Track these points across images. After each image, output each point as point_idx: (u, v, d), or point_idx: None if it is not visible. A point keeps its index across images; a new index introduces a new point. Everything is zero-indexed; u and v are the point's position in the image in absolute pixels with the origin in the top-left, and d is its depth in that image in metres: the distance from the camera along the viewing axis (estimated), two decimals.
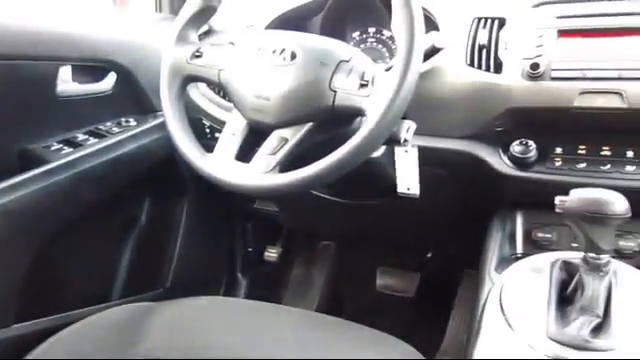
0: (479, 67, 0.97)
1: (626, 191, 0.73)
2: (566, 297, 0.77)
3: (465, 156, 0.98)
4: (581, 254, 0.76)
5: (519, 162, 0.94)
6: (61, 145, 1.08)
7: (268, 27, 1.14)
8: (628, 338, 0.71)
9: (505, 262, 0.90)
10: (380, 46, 1.17)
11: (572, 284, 0.77)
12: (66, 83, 1.13)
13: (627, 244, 0.91)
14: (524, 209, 0.99)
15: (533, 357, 0.73)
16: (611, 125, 0.91)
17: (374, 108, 0.75)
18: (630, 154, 0.90)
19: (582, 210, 0.71)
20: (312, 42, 0.85)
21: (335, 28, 1.14)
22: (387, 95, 0.74)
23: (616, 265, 0.78)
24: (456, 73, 0.98)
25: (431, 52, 0.98)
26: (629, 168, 0.89)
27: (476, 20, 1.02)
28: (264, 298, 0.99)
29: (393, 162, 0.97)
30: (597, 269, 0.74)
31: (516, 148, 0.94)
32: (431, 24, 1.03)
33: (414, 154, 0.93)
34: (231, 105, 0.89)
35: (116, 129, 1.16)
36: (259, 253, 1.61)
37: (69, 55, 1.08)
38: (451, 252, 1.47)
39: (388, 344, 0.87)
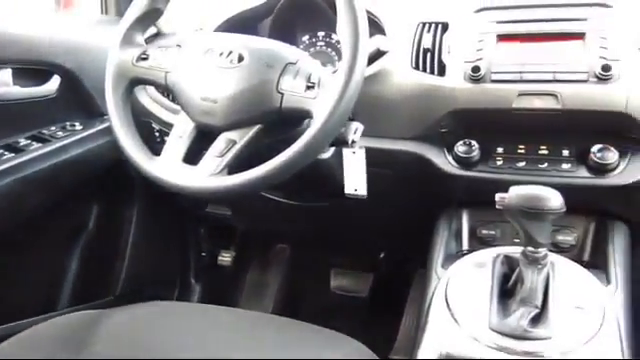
0: (424, 70, 1.00)
1: (562, 188, 0.76)
2: (508, 290, 0.81)
3: (412, 157, 1.01)
4: (521, 249, 0.79)
5: (463, 162, 0.97)
6: (2, 150, 1.05)
7: (217, 30, 1.14)
8: (564, 326, 0.75)
9: (452, 259, 0.93)
10: (329, 50, 1.19)
11: (513, 277, 0.81)
12: (6, 86, 1.09)
13: (564, 238, 0.95)
14: (469, 207, 1.02)
15: (477, 348, 0.76)
16: (548, 125, 0.95)
17: (320, 110, 0.76)
18: (566, 153, 0.94)
19: (520, 206, 0.74)
20: (259, 44, 0.85)
21: (284, 32, 1.15)
22: (333, 97, 0.75)
23: (553, 258, 0.82)
24: (402, 76, 1.01)
25: (376, 55, 1.00)
26: (565, 166, 0.94)
27: (421, 25, 1.05)
28: (219, 303, 0.98)
29: (342, 164, 0.99)
30: (535, 262, 0.77)
31: (460, 148, 0.97)
32: (377, 28, 1.05)
33: (361, 155, 0.95)
34: (179, 108, 0.89)
35: (61, 133, 1.13)
36: (213, 257, 1.60)
37: (8, 57, 1.05)
38: (403, 252, 1.49)
39: (342, 343, 0.89)
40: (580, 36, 0.95)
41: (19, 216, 1.05)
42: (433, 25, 1.05)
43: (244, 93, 0.81)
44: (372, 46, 0.97)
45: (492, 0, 1.05)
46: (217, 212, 1.44)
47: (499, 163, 0.97)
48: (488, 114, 0.96)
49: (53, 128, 1.14)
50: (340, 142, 0.87)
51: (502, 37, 0.98)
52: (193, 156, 0.84)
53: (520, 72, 0.94)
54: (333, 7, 0.79)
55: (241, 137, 0.81)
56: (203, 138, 0.85)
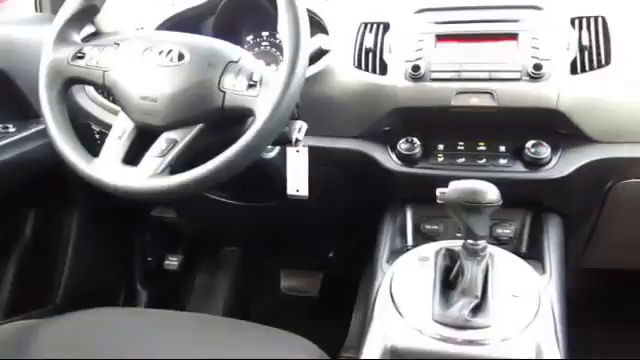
0: (366, 69, 1.02)
1: (499, 182, 0.79)
2: (450, 282, 0.83)
3: (356, 154, 1.02)
4: (462, 242, 0.82)
5: (405, 159, 1.00)
6: None
7: (158, 29, 1.12)
8: (503, 314, 0.78)
9: (396, 254, 0.95)
10: (274, 50, 1.19)
11: (454, 270, 0.83)
12: None
13: (503, 231, 0.99)
14: (413, 204, 1.04)
15: (421, 340, 0.78)
16: (485, 122, 0.98)
17: (262, 108, 0.76)
18: (502, 148, 0.98)
19: (459, 199, 0.77)
20: (200, 43, 0.85)
21: (227, 31, 1.14)
22: (275, 95, 0.75)
23: (492, 250, 0.84)
24: (344, 75, 1.02)
25: (319, 54, 1.01)
26: (502, 161, 0.97)
27: (362, 25, 1.07)
28: (167, 308, 0.97)
29: (286, 163, 0.99)
30: (475, 254, 0.80)
31: (402, 146, 0.99)
32: (319, 27, 1.06)
33: (305, 154, 0.96)
34: (119, 108, 0.87)
35: None
36: (159, 262, 1.57)
37: None
38: (351, 250, 1.51)
39: (291, 342, 0.89)
40: (513, 37, 0.98)
41: None
42: (375, 25, 1.06)
43: (185, 92, 0.80)
44: (314, 45, 0.98)
45: (431, 1, 1.08)
46: (162, 215, 1.42)
47: (440, 159, 0.99)
48: (428, 112, 0.98)
49: None
50: (284, 141, 0.87)
51: (441, 37, 1.01)
52: (133, 157, 0.83)
53: (458, 71, 0.97)
54: (276, 6, 0.79)
55: (183, 137, 0.80)
56: (144, 138, 0.83)
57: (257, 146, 0.77)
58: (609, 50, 0.95)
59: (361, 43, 1.04)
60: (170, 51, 0.82)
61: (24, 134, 1.12)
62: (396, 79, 0.99)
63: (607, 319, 1.40)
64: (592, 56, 0.95)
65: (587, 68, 0.95)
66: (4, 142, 1.08)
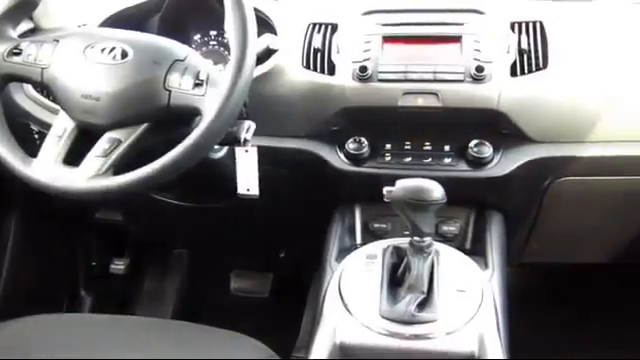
0: (314, 69, 1.03)
1: (444, 180, 0.81)
2: (397, 278, 0.85)
3: (304, 154, 1.03)
4: (409, 239, 0.83)
5: (354, 158, 1.01)
6: None
7: (101, 26, 1.09)
8: (448, 309, 0.80)
9: (345, 253, 0.96)
10: (222, 49, 1.18)
11: (401, 267, 0.85)
12: None
13: (448, 228, 1.01)
14: (362, 203, 1.05)
15: (369, 336, 0.79)
16: (431, 122, 1.01)
17: (209, 107, 0.75)
18: (447, 148, 1.00)
19: (405, 198, 0.78)
20: (144, 40, 0.83)
21: (174, 30, 1.12)
22: (222, 94, 0.75)
23: (437, 246, 0.87)
24: (293, 75, 1.02)
25: (267, 54, 1.01)
26: (446, 160, 1.00)
27: (311, 25, 1.08)
28: (113, 313, 0.94)
29: (235, 163, 0.98)
30: (421, 251, 0.82)
31: (351, 145, 1.01)
32: (267, 27, 1.06)
33: (254, 154, 0.95)
34: (59, 107, 0.84)
35: None
36: (104, 266, 1.52)
37: None
38: (302, 250, 1.51)
39: (240, 343, 0.88)
40: (457, 39, 1.01)
41: None
42: (323, 26, 1.07)
43: (129, 90, 0.78)
44: (262, 44, 0.98)
45: (378, 4, 1.10)
46: (107, 218, 1.38)
47: (387, 159, 1.01)
48: (376, 112, 1.00)
49: None
50: (232, 141, 0.86)
51: (387, 39, 1.03)
52: (75, 157, 0.80)
53: (404, 72, 0.99)
54: (223, 5, 0.79)
55: (127, 136, 0.79)
56: (86, 138, 0.81)
57: (204, 145, 0.76)
58: (546, 54, 1.00)
59: (309, 43, 1.05)
60: (113, 49, 0.81)
61: None
62: (344, 79, 1.00)
63: (546, 313, 1.46)
64: (530, 59, 0.99)
65: (526, 71, 0.98)
66: None
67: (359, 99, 0.99)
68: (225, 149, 1.00)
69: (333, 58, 1.03)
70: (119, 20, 1.10)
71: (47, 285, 1.42)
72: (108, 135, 0.79)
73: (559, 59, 0.99)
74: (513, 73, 0.98)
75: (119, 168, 0.78)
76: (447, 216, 1.01)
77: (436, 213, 0.81)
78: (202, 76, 0.78)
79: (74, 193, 0.77)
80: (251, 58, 0.77)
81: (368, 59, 1.00)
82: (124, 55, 0.80)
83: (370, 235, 1.03)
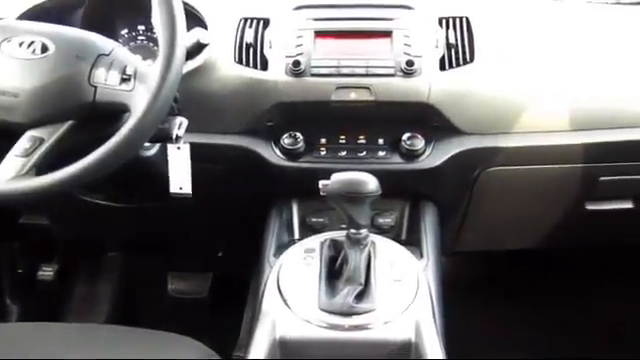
0: (247, 64, 1.02)
1: (379, 173, 0.83)
2: (335, 271, 0.85)
3: (239, 150, 1.02)
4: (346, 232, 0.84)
5: (289, 153, 1.01)
6: None
7: (20, 19, 1.03)
8: (385, 299, 0.82)
9: (283, 248, 0.95)
10: (151, 44, 1.15)
11: (339, 259, 0.85)
12: None
13: (384, 220, 1.03)
14: (298, 198, 1.05)
15: (309, 329, 0.79)
16: (364, 116, 1.02)
17: (138, 103, 0.73)
18: (381, 141, 1.02)
19: (341, 191, 0.79)
20: (66, 34, 0.80)
21: (99, 24, 1.07)
22: (150, 89, 0.73)
23: (374, 238, 0.88)
24: (225, 70, 1.01)
25: (197, 48, 0.99)
26: (381, 153, 1.01)
27: (242, 20, 1.07)
28: (44, 321, 0.90)
29: (167, 161, 0.96)
30: (358, 243, 0.83)
31: (286, 140, 1.00)
32: (197, 21, 1.04)
33: (186, 151, 0.93)
34: None
35: None
36: (31, 273, 1.45)
37: None
38: (241, 248, 1.50)
39: (180, 344, 0.86)
40: (388, 34, 1.03)
41: None
42: (255, 20, 1.06)
43: (50, 86, 0.75)
44: (191, 38, 0.96)
45: None
46: (33, 222, 1.31)
47: (323, 153, 1.01)
48: (310, 106, 1.00)
49: None
50: (164, 138, 0.84)
51: (319, 34, 1.03)
52: None
53: (337, 67, 0.99)
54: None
55: (50, 134, 0.75)
56: (4, 137, 0.76)
57: (133, 143, 0.73)
58: (473, 48, 1.03)
59: (241, 38, 1.04)
60: (32, 42, 0.77)
61: None
62: (277, 74, 0.99)
63: (479, 298, 1.52)
64: (458, 54, 1.02)
65: (454, 65, 1.01)
66: None
67: (293, 94, 0.99)
68: (157, 147, 0.97)
69: (266, 53, 1.02)
70: (39, 13, 1.05)
71: None
72: (29, 134, 0.75)
73: (485, 53, 1.03)
74: (442, 67, 1.01)
75: (42, 168, 0.75)
76: (383, 208, 1.03)
77: (372, 205, 0.82)
78: (129, 71, 0.76)
79: None
80: (180, 52, 0.75)
81: (301, 54, 1.00)
82: (44, 49, 0.76)
83: (308, 230, 1.03)
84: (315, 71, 0.99)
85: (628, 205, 1.13)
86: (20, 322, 1.05)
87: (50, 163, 0.75)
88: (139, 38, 1.14)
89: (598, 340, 1.46)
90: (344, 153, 1.01)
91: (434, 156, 1.01)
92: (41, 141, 0.74)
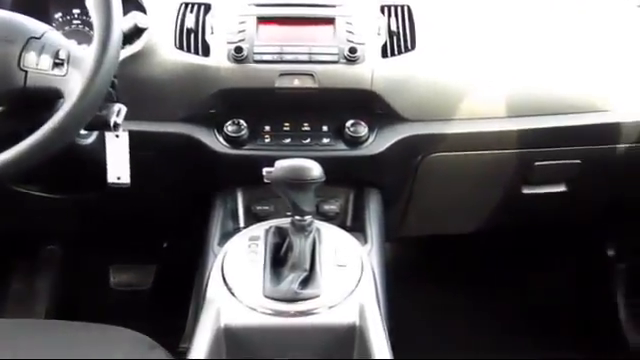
0: (188, 50, 0.99)
1: (323, 160, 0.83)
2: (280, 258, 0.85)
3: (181, 138, 1.00)
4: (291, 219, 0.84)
5: (233, 141, 0.99)
6: None
7: None
8: (330, 284, 0.82)
9: (228, 236, 0.94)
10: (87, 29, 1.11)
11: (284, 246, 0.85)
12: None
13: (330, 207, 1.04)
14: (243, 186, 1.05)
15: (254, 317, 0.79)
16: (308, 103, 1.02)
17: (72, 88, 0.71)
18: (325, 128, 1.02)
19: (284, 178, 0.79)
20: None
21: (31, 6, 1.02)
22: (85, 74, 0.70)
23: (318, 225, 0.88)
24: (165, 55, 0.99)
25: (135, 32, 0.96)
26: (325, 140, 1.02)
27: (183, 4, 1.04)
28: None
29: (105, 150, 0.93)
30: (303, 230, 0.83)
31: (229, 128, 0.99)
32: (137, 6, 1.00)
33: (125, 139, 0.91)
34: None
35: None
36: None
37: None
38: (186, 238, 1.47)
39: (122, 337, 0.84)
40: (331, 21, 1.03)
41: None
42: (195, 5, 1.04)
43: None
44: (128, 22, 0.93)
45: None
46: None
47: (267, 141, 1.01)
48: (253, 93, 0.99)
49: None
50: (102, 125, 0.81)
51: (262, 20, 1.02)
52: None
53: (280, 53, 0.99)
54: None
55: None
56: None
57: (67, 130, 0.71)
58: (414, 36, 1.05)
59: (182, 23, 1.01)
60: None
61: None
62: (219, 60, 0.98)
63: (423, 282, 1.56)
64: (400, 41, 1.04)
65: (396, 52, 1.03)
66: None
67: (235, 80, 0.98)
68: (94, 135, 0.94)
69: (207, 39, 1.01)
70: None
71: None
72: None
73: (426, 41, 1.04)
74: (384, 54, 1.02)
75: None
76: (328, 195, 1.04)
77: (316, 192, 0.82)
78: (62, 55, 0.73)
79: None
80: (117, 35, 0.72)
81: (243, 40, 0.99)
82: None
83: (253, 218, 1.02)
84: (258, 57, 0.98)
85: (561, 188, 1.18)
86: None
87: None
88: (74, 22, 1.10)
89: (535, 318, 1.53)
90: (288, 140, 1.01)
91: (377, 143, 1.02)
92: None
